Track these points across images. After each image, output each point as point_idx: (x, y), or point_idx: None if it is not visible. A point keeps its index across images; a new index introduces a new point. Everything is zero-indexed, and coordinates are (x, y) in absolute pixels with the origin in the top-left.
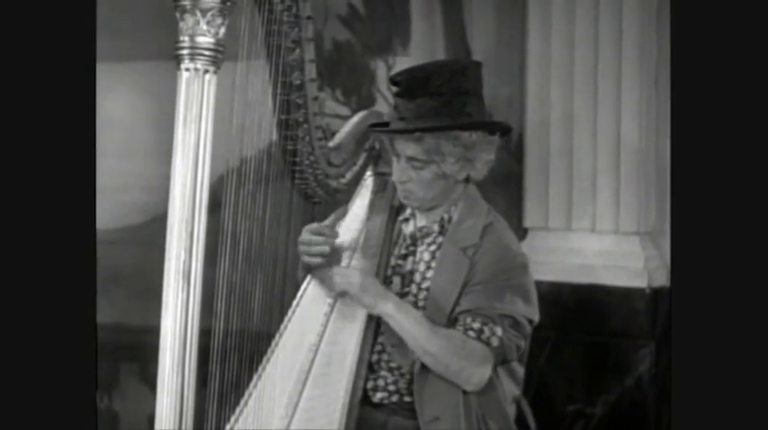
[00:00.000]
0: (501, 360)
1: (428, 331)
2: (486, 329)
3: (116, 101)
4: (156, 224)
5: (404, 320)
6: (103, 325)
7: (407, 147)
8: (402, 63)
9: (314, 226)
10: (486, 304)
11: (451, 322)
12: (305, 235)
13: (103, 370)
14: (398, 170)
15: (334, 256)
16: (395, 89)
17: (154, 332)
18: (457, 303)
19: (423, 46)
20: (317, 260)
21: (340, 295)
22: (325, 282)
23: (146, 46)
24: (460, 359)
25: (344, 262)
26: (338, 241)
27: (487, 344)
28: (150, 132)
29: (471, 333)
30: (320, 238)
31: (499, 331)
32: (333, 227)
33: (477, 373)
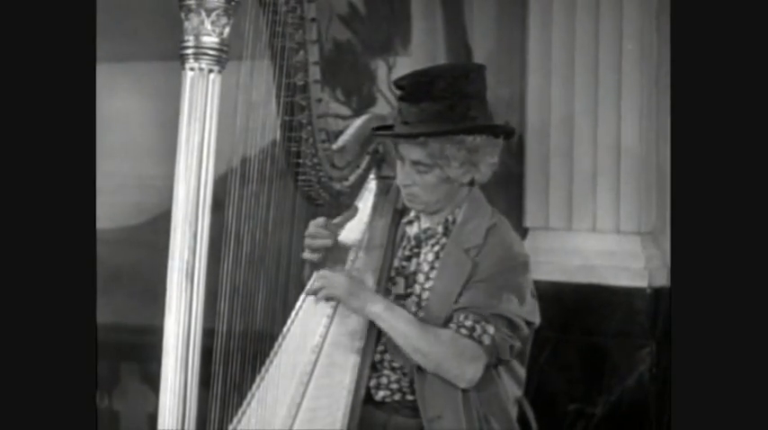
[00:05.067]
0: (495, 359)
1: (418, 330)
2: (477, 327)
3: (116, 101)
4: (156, 224)
5: (393, 321)
6: (103, 325)
7: (412, 152)
8: (402, 63)
9: (321, 220)
10: (482, 302)
11: (449, 320)
12: (311, 228)
13: (103, 370)
14: (403, 174)
15: (337, 255)
16: (399, 93)
17: (154, 332)
18: (457, 303)
19: (423, 46)
20: (318, 255)
21: (327, 300)
22: None
23: (146, 47)
24: (451, 357)
25: (348, 263)
26: (342, 241)
27: (479, 342)
28: (150, 133)
29: (463, 330)
30: (324, 232)
31: (491, 329)
32: (340, 225)
33: (468, 371)
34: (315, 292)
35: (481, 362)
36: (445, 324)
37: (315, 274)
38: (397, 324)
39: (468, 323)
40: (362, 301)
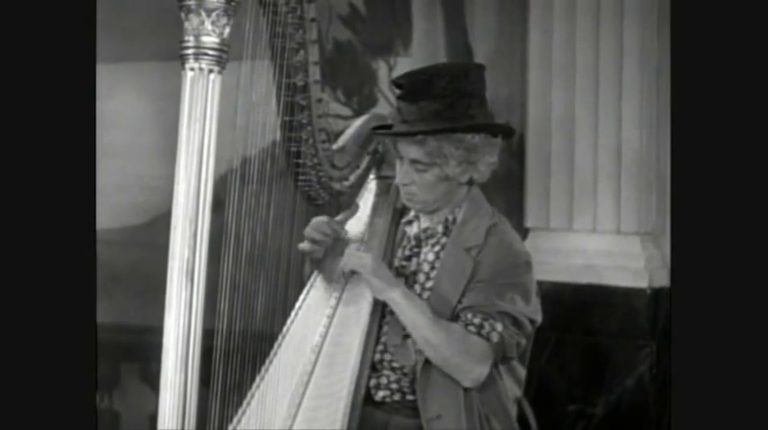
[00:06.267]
0: (501, 357)
1: (431, 321)
2: (486, 325)
3: (116, 101)
4: (157, 224)
5: (408, 308)
6: (103, 325)
7: (410, 150)
8: (403, 63)
9: (324, 218)
10: (488, 301)
11: (453, 320)
12: (314, 221)
13: (103, 370)
14: (401, 173)
15: (338, 253)
16: (397, 92)
17: (154, 332)
18: (460, 302)
19: (424, 46)
20: (315, 247)
21: (349, 274)
22: (331, 276)
23: (146, 47)
24: (460, 352)
25: None
26: (342, 240)
27: (487, 339)
28: (150, 133)
29: (472, 328)
30: (326, 227)
31: (499, 327)
32: (343, 222)
33: (475, 369)
34: (340, 270)
35: (488, 361)
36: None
37: (315, 275)
38: (412, 312)
39: (477, 321)
40: (383, 283)
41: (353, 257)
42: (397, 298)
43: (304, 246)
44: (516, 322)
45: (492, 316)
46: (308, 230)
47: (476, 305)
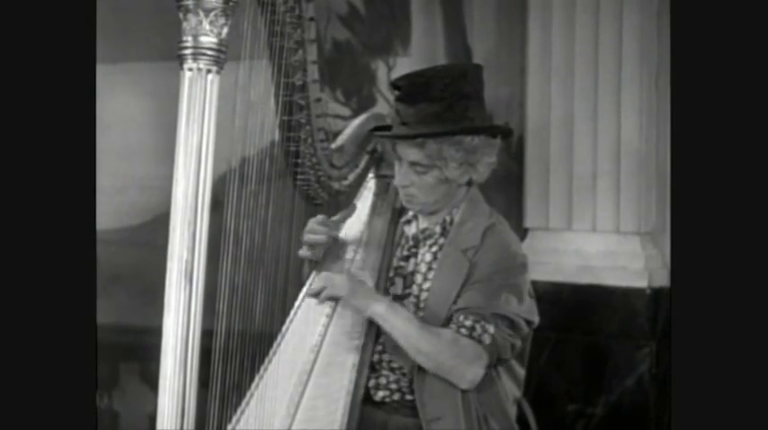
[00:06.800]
0: (495, 358)
1: (419, 330)
2: (477, 327)
3: (116, 102)
4: (156, 224)
5: (395, 320)
6: (103, 325)
7: (410, 152)
8: (402, 63)
9: (320, 217)
10: (482, 303)
11: (448, 321)
12: (310, 224)
13: (103, 370)
14: (401, 174)
15: (336, 253)
16: (396, 94)
17: (154, 332)
18: (455, 303)
19: (423, 46)
20: (314, 251)
21: (329, 300)
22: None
23: (145, 47)
24: (452, 356)
25: (347, 262)
26: (341, 239)
27: (479, 341)
28: (150, 133)
29: (463, 330)
30: (322, 229)
31: (491, 329)
32: (339, 222)
33: (470, 371)
34: (317, 294)
35: (482, 363)
36: (444, 325)
37: (314, 275)
38: (399, 323)
39: (468, 323)
40: (365, 300)
41: (328, 282)
42: (381, 312)
43: (303, 252)
44: (511, 323)
45: (485, 318)
46: (305, 236)
47: (470, 307)
